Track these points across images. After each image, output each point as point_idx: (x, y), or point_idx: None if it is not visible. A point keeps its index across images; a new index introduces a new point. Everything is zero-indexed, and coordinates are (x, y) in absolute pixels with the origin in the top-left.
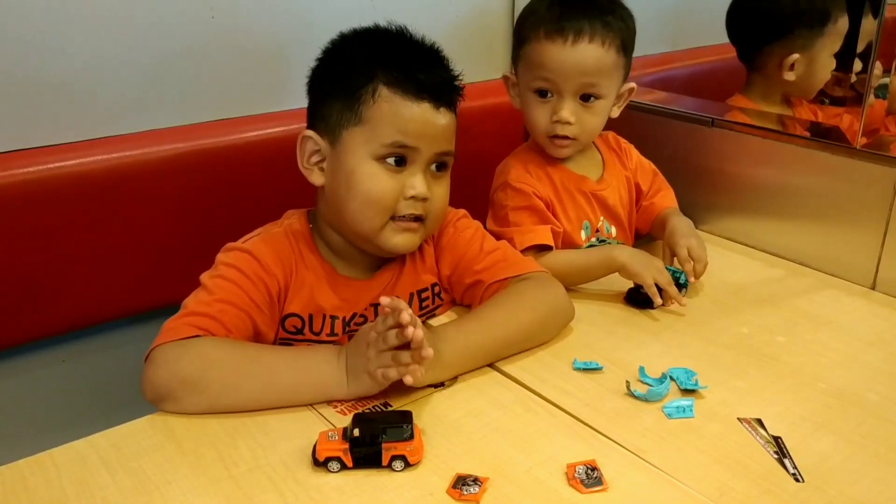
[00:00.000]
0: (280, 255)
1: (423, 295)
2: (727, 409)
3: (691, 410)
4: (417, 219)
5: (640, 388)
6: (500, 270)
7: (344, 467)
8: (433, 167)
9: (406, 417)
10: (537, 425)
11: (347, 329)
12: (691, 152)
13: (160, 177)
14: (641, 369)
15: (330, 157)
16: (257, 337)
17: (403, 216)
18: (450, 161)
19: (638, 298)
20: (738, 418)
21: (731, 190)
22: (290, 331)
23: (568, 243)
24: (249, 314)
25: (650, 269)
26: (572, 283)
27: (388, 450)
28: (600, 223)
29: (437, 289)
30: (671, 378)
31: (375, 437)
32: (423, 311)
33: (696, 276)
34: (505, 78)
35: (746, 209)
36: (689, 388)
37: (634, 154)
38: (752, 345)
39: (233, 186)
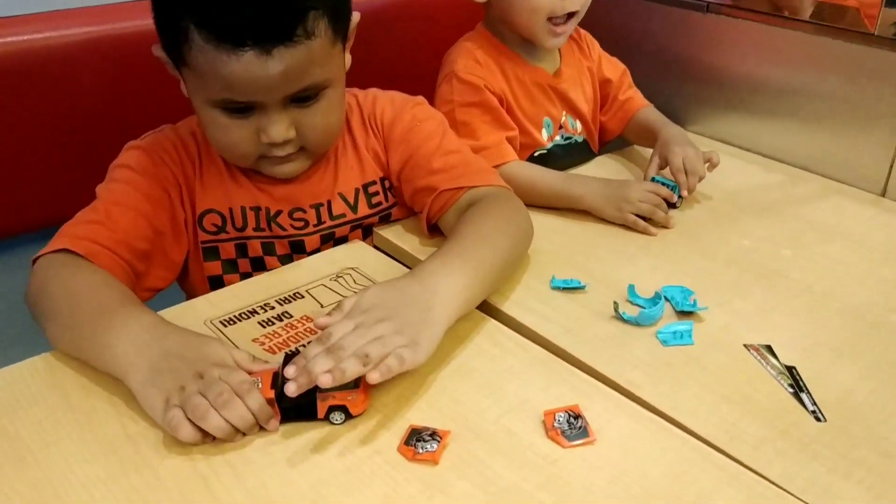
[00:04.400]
0: (180, 147)
1: (371, 190)
2: (731, 335)
3: (690, 336)
4: (293, 151)
5: (629, 311)
6: (457, 177)
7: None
8: (294, 101)
9: None
10: (508, 363)
11: (275, 222)
12: (682, 43)
13: (74, 64)
14: (631, 288)
15: (181, 79)
16: (161, 238)
17: (272, 156)
18: (322, 88)
19: None
20: (745, 345)
21: (725, 86)
22: (212, 230)
23: (529, 145)
24: (142, 213)
25: (623, 208)
26: (527, 203)
27: (325, 399)
28: (563, 118)
29: (387, 183)
30: (665, 298)
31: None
32: (375, 211)
33: (690, 190)
34: None
35: (742, 108)
36: (687, 309)
37: (597, 45)
38: (755, 259)
39: (158, 76)
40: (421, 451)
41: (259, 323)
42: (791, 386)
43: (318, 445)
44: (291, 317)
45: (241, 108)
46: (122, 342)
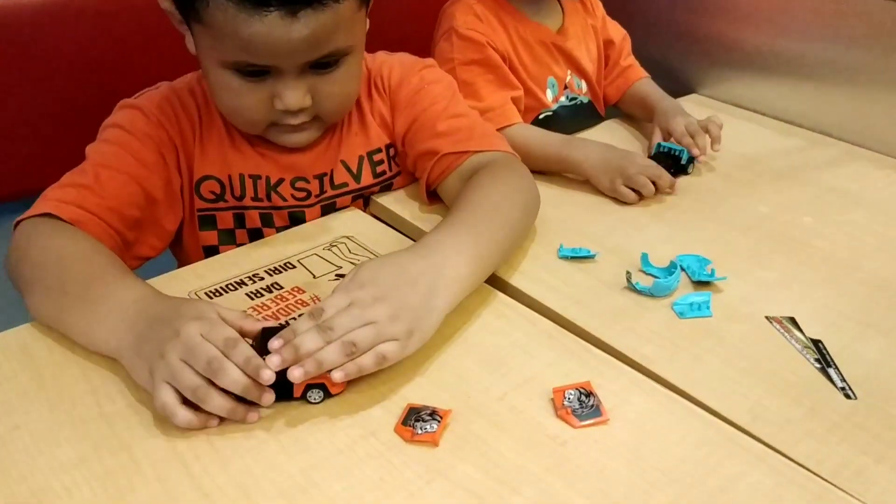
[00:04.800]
0: (178, 108)
1: (377, 158)
2: (752, 306)
3: (708, 308)
4: (307, 120)
5: (643, 281)
6: (460, 141)
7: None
8: (312, 67)
9: None
10: (513, 336)
11: (275, 191)
12: (693, 2)
13: (58, 21)
14: (644, 257)
15: (189, 35)
16: (153, 205)
17: (284, 124)
18: (344, 55)
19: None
20: (767, 317)
21: (738, 46)
22: (209, 198)
23: (533, 107)
24: (135, 178)
25: (618, 180)
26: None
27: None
28: (569, 78)
29: (391, 151)
30: (681, 268)
31: None
32: (378, 181)
33: (702, 150)
34: None
35: (757, 69)
36: (704, 279)
37: (601, 5)
38: (774, 227)
39: (152, 31)
40: (420, 431)
41: (247, 294)
42: (817, 361)
43: (308, 427)
44: (282, 288)
45: (257, 72)
46: (112, 316)
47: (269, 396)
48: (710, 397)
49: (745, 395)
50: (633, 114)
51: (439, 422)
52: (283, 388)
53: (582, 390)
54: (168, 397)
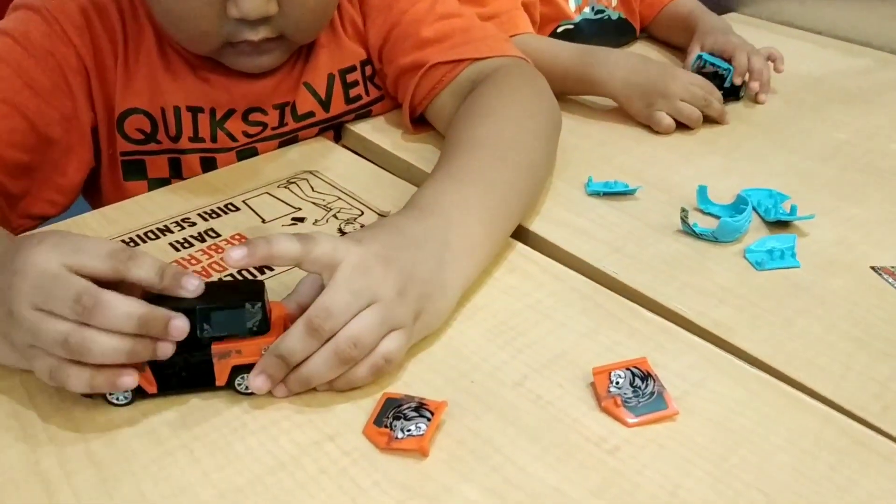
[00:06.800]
0: (94, 17)
1: (350, 78)
2: (851, 253)
3: (793, 255)
4: (270, 38)
5: (702, 222)
6: (455, 46)
7: (141, 396)
8: None
9: (254, 290)
10: (533, 297)
11: (222, 127)
12: None
13: None
14: (702, 191)
15: None
16: (49, 148)
17: (241, 41)
18: None
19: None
20: (873, 267)
21: None
22: (137, 139)
23: (550, 17)
24: (21, 109)
25: (655, 105)
26: None
27: (226, 355)
28: None
29: (368, 70)
30: (751, 205)
31: (192, 332)
32: (352, 107)
33: (761, 88)
34: None
35: None
36: (783, 218)
37: None
38: (859, 155)
39: None
40: (401, 434)
41: (171, 245)
42: None
43: (235, 429)
44: (218, 236)
45: None
46: None
47: (182, 323)
48: (818, 380)
49: (866, 375)
50: (670, 38)
51: (429, 420)
52: (199, 373)
53: (636, 370)
54: (47, 361)
